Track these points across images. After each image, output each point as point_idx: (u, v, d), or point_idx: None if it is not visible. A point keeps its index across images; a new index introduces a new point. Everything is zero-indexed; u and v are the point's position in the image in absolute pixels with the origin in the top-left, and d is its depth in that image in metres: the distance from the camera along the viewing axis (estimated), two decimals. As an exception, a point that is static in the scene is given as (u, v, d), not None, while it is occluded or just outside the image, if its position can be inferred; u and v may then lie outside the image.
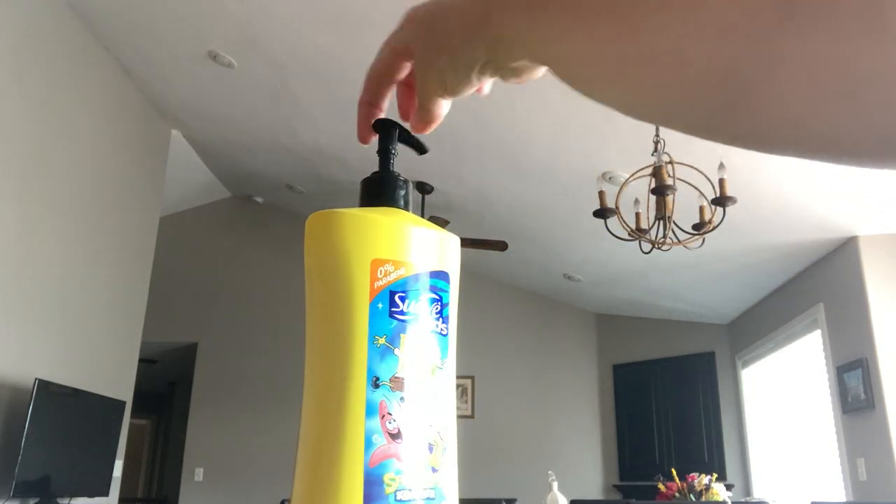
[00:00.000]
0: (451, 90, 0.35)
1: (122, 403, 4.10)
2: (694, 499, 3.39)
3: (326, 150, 5.00)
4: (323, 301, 0.36)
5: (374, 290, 0.35)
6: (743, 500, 5.14)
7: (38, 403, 3.28)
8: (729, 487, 5.43)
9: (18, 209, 3.39)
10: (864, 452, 4.24)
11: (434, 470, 0.35)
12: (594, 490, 6.78)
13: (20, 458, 3.17)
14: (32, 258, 3.50)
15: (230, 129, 5.02)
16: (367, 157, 4.91)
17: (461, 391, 6.51)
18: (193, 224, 6.79)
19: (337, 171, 5.34)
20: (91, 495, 3.75)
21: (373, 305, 0.35)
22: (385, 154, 0.40)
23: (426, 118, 0.38)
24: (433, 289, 0.37)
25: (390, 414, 0.34)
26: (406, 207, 0.39)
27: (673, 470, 3.85)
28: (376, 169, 0.41)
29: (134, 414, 4.97)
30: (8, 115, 3.30)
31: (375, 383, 0.34)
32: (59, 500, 3.51)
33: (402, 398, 0.34)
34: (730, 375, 6.42)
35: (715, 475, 3.57)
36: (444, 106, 0.37)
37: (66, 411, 3.57)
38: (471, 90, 0.35)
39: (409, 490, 0.33)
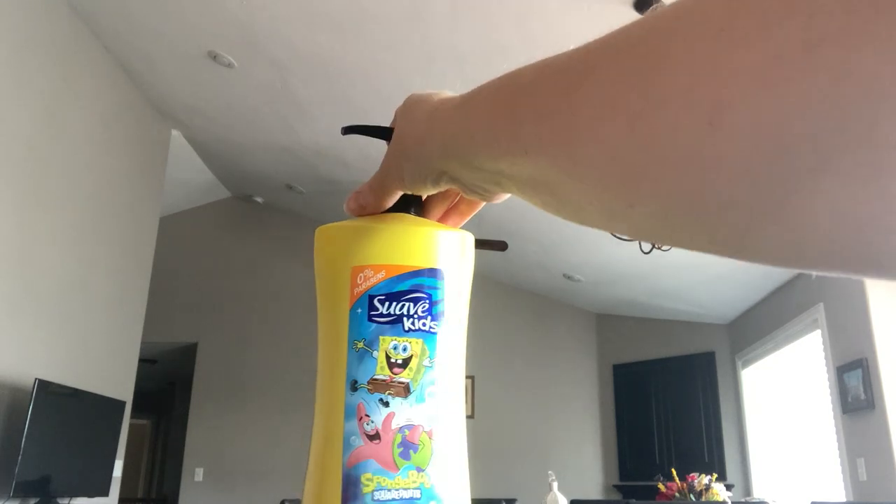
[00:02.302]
0: (409, 185, 0.34)
1: (122, 403, 4.10)
2: (694, 499, 3.39)
3: (326, 150, 5.00)
4: (319, 311, 0.38)
5: (353, 295, 0.36)
6: (743, 500, 5.14)
7: (38, 403, 3.28)
8: (729, 487, 5.43)
9: (18, 209, 3.39)
10: (864, 452, 4.24)
11: (420, 469, 0.35)
12: (594, 490, 6.78)
13: (20, 458, 3.17)
14: (32, 258, 3.50)
15: (230, 129, 5.02)
16: (367, 158, 4.91)
17: (461, 391, 6.51)
18: (193, 224, 6.79)
19: (337, 171, 5.34)
20: (91, 495, 3.75)
21: (352, 311, 0.36)
22: None
23: (366, 202, 0.38)
24: (419, 288, 0.37)
25: (368, 416, 0.35)
26: (412, 210, 0.40)
27: (673, 470, 3.85)
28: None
29: (134, 414, 4.97)
30: (8, 114, 3.30)
31: (353, 386, 0.35)
32: (59, 500, 3.51)
33: (380, 399, 0.35)
34: (730, 375, 6.42)
35: (715, 475, 3.57)
36: (391, 200, 0.37)
37: (66, 411, 3.57)
38: (429, 192, 0.34)
39: (388, 490, 0.34)
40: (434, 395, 0.36)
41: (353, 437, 0.34)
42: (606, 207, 0.23)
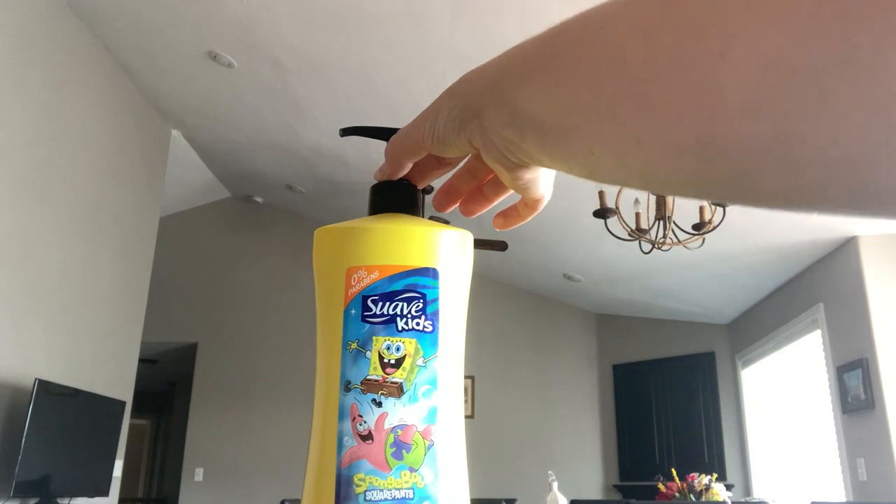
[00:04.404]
0: (440, 130, 0.34)
1: (122, 403, 4.10)
2: (694, 499, 3.39)
3: (326, 150, 5.00)
4: (317, 313, 0.38)
5: (348, 297, 0.36)
6: (743, 500, 5.14)
7: (38, 403, 3.28)
8: (729, 487, 5.43)
9: (18, 209, 3.39)
10: (864, 452, 4.24)
11: (412, 469, 0.35)
12: (594, 490, 6.78)
13: (20, 458, 3.17)
14: (32, 258, 3.50)
15: (230, 129, 5.02)
16: (367, 158, 4.91)
17: (461, 391, 6.51)
18: (193, 224, 6.79)
19: (337, 171, 5.34)
20: (91, 495, 3.75)
21: (346, 312, 0.36)
22: None
23: (387, 165, 0.38)
24: (413, 287, 0.37)
25: (361, 416, 0.35)
26: (411, 211, 0.40)
27: (673, 470, 3.85)
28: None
29: (134, 414, 4.98)
30: (7, 114, 3.30)
31: (347, 387, 0.35)
32: (59, 500, 3.51)
33: (373, 400, 0.35)
34: (730, 375, 6.42)
35: (715, 475, 3.57)
36: (408, 162, 0.38)
37: (66, 411, 3.57)
38: (450, 145, 0.34)
39: (381, 490, 0.34)
40: (428, 395, 0.36)
41: (346, 438, 0.35)
42: (617, 146, 0.24)
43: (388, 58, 3.76)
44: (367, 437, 0.35)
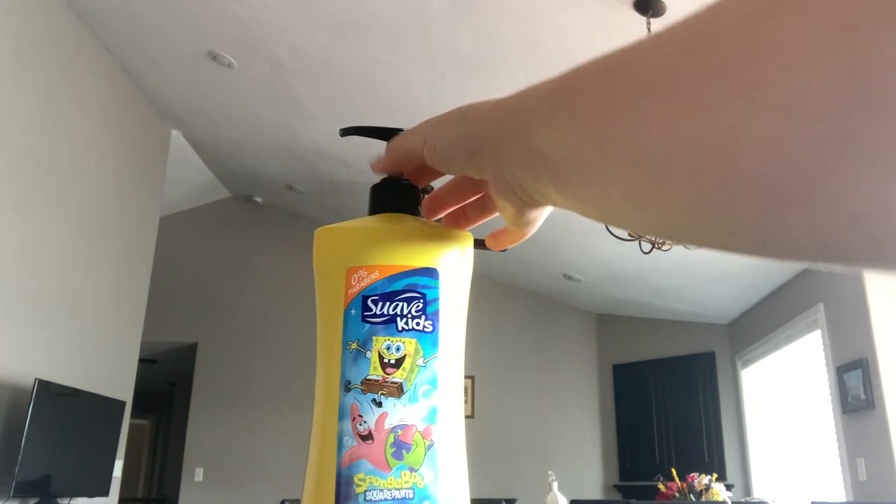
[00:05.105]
0: (440, 151, 0.33)
1: (122, 403, 4.10)
2: (694, 499, 3.39)
3: (326, 150, 5.00)
4: (317, 313, 0.38)
5: (348, 296, 0.36)
6: (743, 500, 5.14)
7: (38, 403, 3.28)
8: (729, 487, 5.43)
9: (18, 209, 3.39)
10: (864, 452, 4.24)
11: (412, 469, 0.35)
12: (594, 490, 6.78)
13: (20, 458, 3.17)
14: (32, 258, 3.50)
15: (230, 129, 5.02)
16: (367, 158, 4.91)
17: (461, 391, 6.51)
18: (193, 224, 6.79)
19: (337, 171, 5.34)
20: (91, 495, 3.75)
21: (346, 312, 0.36)
22: None
23: (386, 162, 0.38)
24: (413, 287, 0.37)
25: (361, 416, 0.35)
26: (412, 211, 0.40)
27: (673, 470, 3.85)
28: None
29: (134, 414, 4.98)
30: (7, 115, 3.30)
31: (347, 387, 0.35)
32: (59, 500, 3.51)
33: (373, 400, 0.35)
34: (730, 375, 6.42)
35: (715, 475, 3.57)
36: (407, 160, 0.37)
37: (66, 411, 3.57)
38: (453, 168, 0.34)
39: (381, 490, 0.34)
40: (428, 395, 0.36)
41: (346, 438, 0.35)
42: (636, 192, 0.23)
43: (388, 58, 3.76)
44: (367, 437, 0.35)
